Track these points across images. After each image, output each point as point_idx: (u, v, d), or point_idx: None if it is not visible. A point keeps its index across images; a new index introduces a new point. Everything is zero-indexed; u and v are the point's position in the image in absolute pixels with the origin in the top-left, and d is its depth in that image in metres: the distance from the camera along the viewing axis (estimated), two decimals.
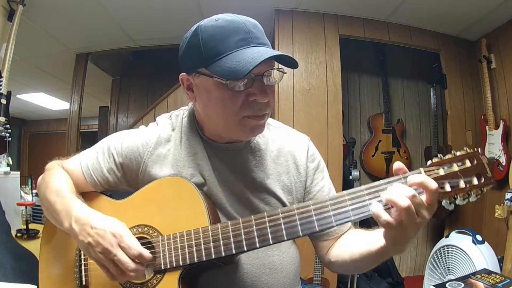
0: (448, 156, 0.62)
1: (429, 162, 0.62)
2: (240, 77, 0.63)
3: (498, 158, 2.34)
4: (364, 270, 0.78)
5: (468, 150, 0.62)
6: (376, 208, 0.57)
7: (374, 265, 0.72)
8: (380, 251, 0.65)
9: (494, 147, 2.39)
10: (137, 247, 0.64)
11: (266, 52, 0.64)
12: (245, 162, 0.80)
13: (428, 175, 0.60)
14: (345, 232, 0.84)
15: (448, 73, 2.67)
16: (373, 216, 0.58)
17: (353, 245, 0.76)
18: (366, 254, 0.70)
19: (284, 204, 0.80)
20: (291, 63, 0.68)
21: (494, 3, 2.22)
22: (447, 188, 0.59)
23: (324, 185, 0.86)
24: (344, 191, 0.62)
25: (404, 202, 0.55)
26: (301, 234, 0.63)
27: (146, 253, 0.65)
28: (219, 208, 0.78)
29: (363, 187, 0.61)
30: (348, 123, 2.98)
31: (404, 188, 0.56)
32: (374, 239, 0.67)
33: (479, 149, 0.63)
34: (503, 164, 2.31)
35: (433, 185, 0.56)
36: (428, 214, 0.57)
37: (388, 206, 0.57)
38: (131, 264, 0.63)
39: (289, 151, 0.84)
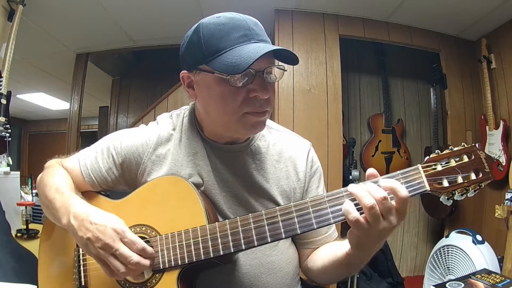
0: (445, 152, 0.62)
1: (426, 158, 0.62)
2: (241, 71, 0.63)
3: (498, 158, 2.34)
4: (335, 279, 0.81)
5: (465, 145, 0.62)
6: (348, 205, 0.57)
7: (343, 274, 0.74)
8: (346, 258, 0.67)
9: (494, 147, 2.39)
10: (140, 241, 0.65)
11: (266, 47, 0.65)
12: (244, 165, 0.80)
13: (426, 171, 0.60)
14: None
15: (448, 73, 2.67)
16: (343, 212, 0.58)
17: (325, 252, 0.78)
18: (334, 261, 0.71)
19: None
20: (292, 59, 0.69)
21: (494, 3, 2.22)
22: (445, 183, 0.59)
23: (318, 194, 0.86)
24: (342, 188, 0.62)
25: (369, 201, 0.55)
26: (299, 231, 0.63)
27: (149, 247, 0.66)
28: (216, 209, 0.77)
29: (361, 184, 0.61)
30: (348, 123, 2.97)
31: (375, 188, 0.57)
32: (342, 246, 0.68)
33: (477, 144, 0.63)
34: (503, 164, 2.31)
35: (404, 193, 0.56)
36: (396, 220, 0.57)
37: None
38: (134, 257, 0.63)
39: (290, 156, 0.84)
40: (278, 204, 0.80)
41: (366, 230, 0.57)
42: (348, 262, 0.68)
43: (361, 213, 0.57)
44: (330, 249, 0.76)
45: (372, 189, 0.57)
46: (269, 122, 0.85)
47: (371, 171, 0.61)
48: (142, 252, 0.65)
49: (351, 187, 0.58)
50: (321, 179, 0.89)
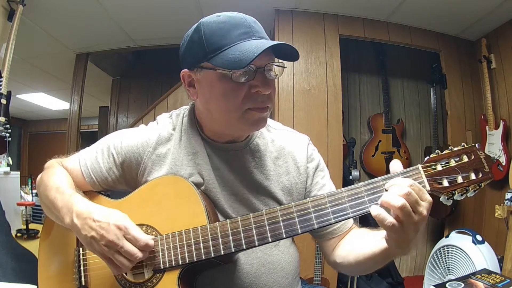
0: (445, 152, 0.62)
1: (426, 158, 0.62)
2: (244, 66, 0.63)
3: (498, 158, 2.34)
4: (370, 271, 0.79)
5: (465, 145, 0.63)
6: (379, 210, 0.57)
7: (380, 266, 0.72)
8: (385, 254, 0.66)
9: (494, 147, 2.39)
10: (143, 238, 0.66)
11: (268, 42, 0.66)
12: (244, 163, 0.80)
13: (426, 171, 0.60)
14: (349, 230, 0.83)
15: (448, 73, 2.67)
16: (376, 220, 0.57)
17: (358, 247, 0.75)
18: (371, 257, 0.70)
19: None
20: (292, 56, 0.69)
21: (494, 3, 2.22)
22: (445, 183, 0.60)
23: (325, 184, 0.86)
24: (342, 188, 0.62)
25: (398, 201, 0.55)
26: (299, 231, 0.63)
27: (152, 243, 0.67)
28: (217, 207, 0.78)
29: (360, 184, 0.61)
30: (348, 123, 2.97)
31: (398, 188, 0.56)
32: (379, 242, 0.67)
33: (477, 144, 0.63)
34: (503, 164, 2.31)
35: (406, 182, 0.56)
36: (425, 210, 0.57)
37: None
38: (139, 254, 0.65)
39: (289, 151, 0.84)
40: (278, 201, 0.81)
41: (400, 230, 0.57)
42: (388, 257, 0.67)
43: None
44: (366, 245, 0.73)
45: (397, 190, 0.56)
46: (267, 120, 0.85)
47: (395, 163, 0.61)
48: (145, 248, 0.66)
49: (380, 198, 0.57)
50: (325, 170, 0.89)
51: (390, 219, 0.56)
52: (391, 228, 0.56)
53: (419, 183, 0.59)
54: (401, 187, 0.56)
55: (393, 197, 0.56)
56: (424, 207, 0.57)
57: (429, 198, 0.58)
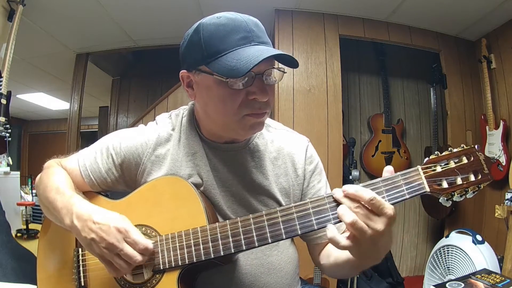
0: (445, 153, 0.62)
1: (426, 159, 0.62)
2: (240, 76, 0.63)
3: (498, 158, 2.34)
4: (349, 275, 0.80)
5: (465, 146, 0.63)
6: (333, 233, 0.57)
7: (358, 271, 0.73)
8: (357, 261, 0.65)
9: (494, 147, 2.39)
10: (143, 242, 0.65)
11: (266, 51, 0.64)
12: (243, 163, 0.80)
13: (425, 173, 0.60)
14: None
15: (448, 73, 2.67)
16: (330, 242, 0.58)
17: (338, 251, 0.76)
18: (347, 261, 0.70)
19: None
20: (291, 62, 0.68)
21: (494, 3, 2.22)
22: (444, 185, 0.60)
23: (320, 188, 0.86)
24: (342, 187, 0.62)
25: (349, 217, 0.55)
26: (299, 232, 0.63)
27: (150, 245, 0.67)
28: (216, 208, 0.77)
29: (359, 185, 0.61)
30: (348, 123, 2.97)
31: (351, 203, 0.57)
32: None
33: (476, 146, 0.63)
34: (503, 164, 2.31)
35: (367, 195, 0.55)
36: (382, 225, 0.55)
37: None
38: (139, 257, 0.64)
39: (288, 153, 0.84)
40: (278, 202, 0.80)
41: (356, 245, 0.56)
42: (360, 265, 0.67)
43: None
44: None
45: (351, 204, 0.56)
46: (267, 120, 0.84)
47: (388, 169, 0.61)
48: (144, 252, 0.66)
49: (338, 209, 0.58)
50: (322, 174, 0.88)
51: (343, 243, 0.56)
52: (346, 248, 0.57)
53: (418, 184, 0.59)
54: (354, 201, 0.56)
55: (345, 212, 0.56)
56: (381, 222, 0.55)
57: (389, 212, 0.55)
